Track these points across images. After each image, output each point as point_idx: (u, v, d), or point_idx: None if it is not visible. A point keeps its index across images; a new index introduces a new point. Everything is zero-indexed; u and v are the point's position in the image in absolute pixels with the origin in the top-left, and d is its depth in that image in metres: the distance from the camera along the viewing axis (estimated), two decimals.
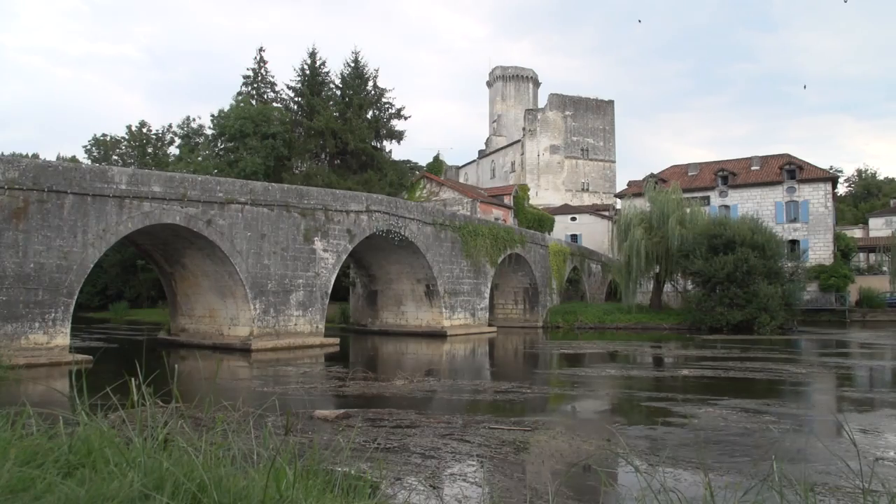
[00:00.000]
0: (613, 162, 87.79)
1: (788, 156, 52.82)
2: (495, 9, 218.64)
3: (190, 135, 53.74)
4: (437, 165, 61.60)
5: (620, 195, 58.70)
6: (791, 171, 50.40)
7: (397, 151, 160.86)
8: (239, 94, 49.07)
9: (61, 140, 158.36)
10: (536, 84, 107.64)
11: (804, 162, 51.47)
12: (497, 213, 52.67)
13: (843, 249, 50.51)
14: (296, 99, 49.06)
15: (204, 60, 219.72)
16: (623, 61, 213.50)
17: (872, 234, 63.22)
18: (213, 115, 46.10)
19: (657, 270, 40.56)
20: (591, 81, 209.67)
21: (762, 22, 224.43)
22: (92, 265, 19.19)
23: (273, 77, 51.05)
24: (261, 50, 50.70)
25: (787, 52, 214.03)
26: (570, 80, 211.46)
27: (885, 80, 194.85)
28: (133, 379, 3.64)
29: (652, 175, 53.30)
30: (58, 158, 55.01)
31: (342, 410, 11.48)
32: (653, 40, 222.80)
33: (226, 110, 45.15)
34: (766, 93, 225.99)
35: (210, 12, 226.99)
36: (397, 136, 50.42)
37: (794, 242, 47.71)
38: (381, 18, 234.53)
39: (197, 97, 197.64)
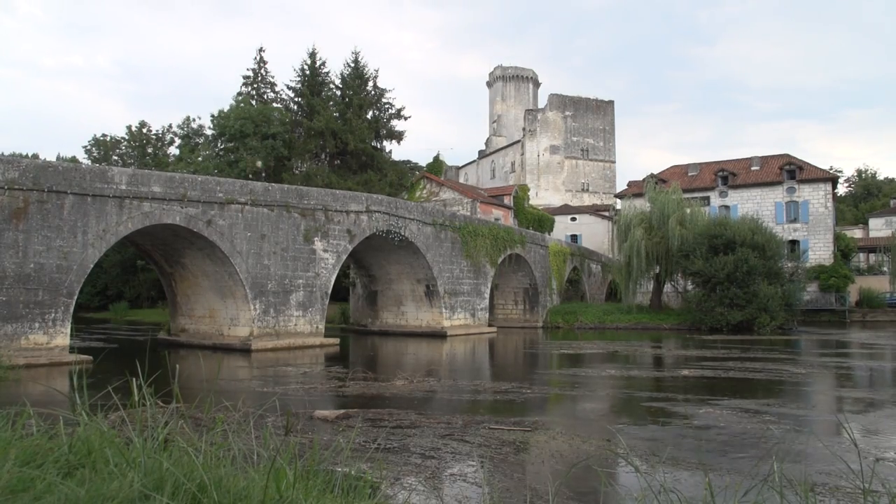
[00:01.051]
0: (613, 162, 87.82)
1: (788, 156, 52.82)
2: (442, 24, 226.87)
3: (190, 135, 53.73)
4: (437, 166, 61.64)
5: (620, 195, 58.70)
6: (791, 171, 50.40)
7: (397, 151, 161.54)
8: (239, 94, 49.06)
9: (41, 147, 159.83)
10: (536, 84, 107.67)
11: (804, 162, 51.47)
12: (497, 213, 52.67)
13: (843, 250, 50.52)
14: (296, 99, 49.09)
15: (173, 74, 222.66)
16: (572, 72, 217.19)
17: (872, 234, 63.23)
18: (213, 116, 46.13)
19: (657, 271, 40.56)
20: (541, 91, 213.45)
21: (699, 35, 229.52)
22: (92, 265, 19.19)
23: (273, 77, 51.11)
24: (261, 50, 50.72)
25: (729, 62, 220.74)
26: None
27: (828, 89, 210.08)
28: (133, 379, 3.64)
29: (652, 175, 53.28)
30: (58, 159, 55.05)
31: (342, 411, 11.47)
32: (598, 52, 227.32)
33: (226, 110, 45.16)
34: (714, 100, 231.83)
35: (163, 31, 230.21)
36: (397, 136, 50.46)
37: (794, 243, 47.73)
38: (324, 34, 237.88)
39: (170, 108, 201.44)
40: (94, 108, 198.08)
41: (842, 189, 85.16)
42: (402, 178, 49.78)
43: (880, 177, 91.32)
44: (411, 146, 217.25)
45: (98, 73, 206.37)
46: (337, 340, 27.05)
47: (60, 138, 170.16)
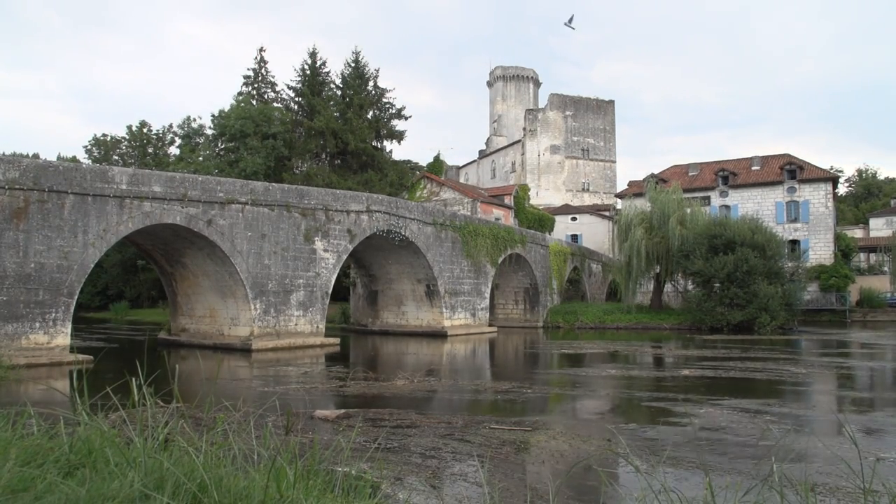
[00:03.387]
0: (614, 162, 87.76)
1: (789, 156, 52.81)
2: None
3: (190, 135, 53.77)
4: (437, 165, 61.58)
5: (621, 195, 58.72)
6: (791, 171, 50.39)
7: (398, 151, 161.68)
8: (239, 94, 49.09)
9: (41, 147, 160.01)
10: (537, 84, 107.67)
11: (805, 162, 51.47)
12: (497, 213, 52.66)
13: (844, 249, 50.50)
14: (296, 99, 49.09)
15: (121, 92, 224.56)
16: (459, 90, 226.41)
17: (873, 234, 63.20)
18: (213, 115, 46.19)
19: (657, 270, 40.56)
20: (452, 108, 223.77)
21: (571, 59, 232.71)
22: (92, 265, 19.19)
23: (273, 77, 51.14)
24: (261, 50, 50.73)
25: (611, 82, 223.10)
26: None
27: (722, 105, 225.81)
28: (134, 379, 3.65)
29: (652, 175, 53.32)
30: (58, 158, 55.05)
31: (342, 410, 11.48)
32: (473, 74, 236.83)
33: (226, 110, 45.18)
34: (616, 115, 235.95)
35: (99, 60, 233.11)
36: (398, 136, 50.45)
37: (794, 242, 47.71)
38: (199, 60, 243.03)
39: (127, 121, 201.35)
40: (52, 126, 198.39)
41: (842, 189, 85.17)
42: (403, 177, 49.76)
43: (881, 177, 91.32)
44: (413, 146, 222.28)
45: (49, 96, 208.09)
46: (337, 340, 27.05)
47: (60, 139, 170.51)
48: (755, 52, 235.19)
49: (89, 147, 59.78)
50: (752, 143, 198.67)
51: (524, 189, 60.80)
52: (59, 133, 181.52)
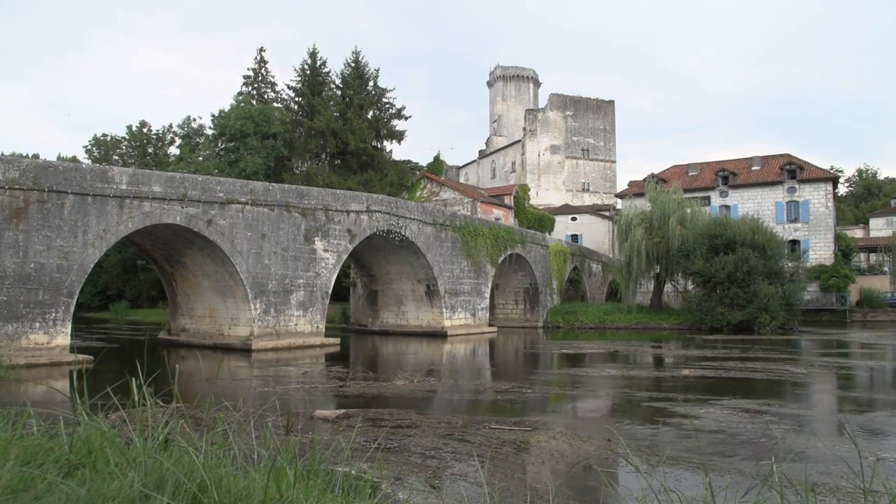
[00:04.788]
0: (614, 162, 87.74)
1: (789, 156, 52.81)
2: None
3: (190, 135, 53.76)
4: (437, 165, 61.55)
5: (621, 195, 58.73)
6: (791, 171, 50.40)
7: (398, 151, 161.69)
8: (239, 94, 49.07)
9: (41, 147, 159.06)
10: (537, 84, 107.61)
11: (805, 162, 51.47)
12: (497, 213, 52.65)
13: (844, 249, 50.50)
14: (296, 99, 49.09)
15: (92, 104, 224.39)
16: (411, 100, 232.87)
17: (873, 234, 63.20)
18: (213, 115, 46.18)
19: (658, 270, 40.56)
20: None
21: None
22: (92, 265, 19.18)
23: (273, 77, 51.13)
24: (261, 50, 50.74)
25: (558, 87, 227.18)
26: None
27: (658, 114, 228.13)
28: (134, 379, 3.65)
29: (653, 175, 53.31)
30: (58, 158, 55.05)
31: (342, 410, 11.48)
32: (419, 87, 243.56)
33: (226, 110, 45.17)
34: None
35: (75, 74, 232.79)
36: (398, 136, 50.45)
37: (794, 242, 47.71)
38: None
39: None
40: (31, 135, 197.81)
41: (842, 189, 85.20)
42: (403, 177, 49.76)
43: (881, 176, 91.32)
44: (412, 145, 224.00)
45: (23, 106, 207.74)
46: (337, 340, 27.05)
47: (59, 139, 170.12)
48: (679, 64, 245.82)
49: (89, 147, 59.77)
50: (700, 149, 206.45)
51: (524, 189, 60.79)
52: (45, 142, 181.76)
